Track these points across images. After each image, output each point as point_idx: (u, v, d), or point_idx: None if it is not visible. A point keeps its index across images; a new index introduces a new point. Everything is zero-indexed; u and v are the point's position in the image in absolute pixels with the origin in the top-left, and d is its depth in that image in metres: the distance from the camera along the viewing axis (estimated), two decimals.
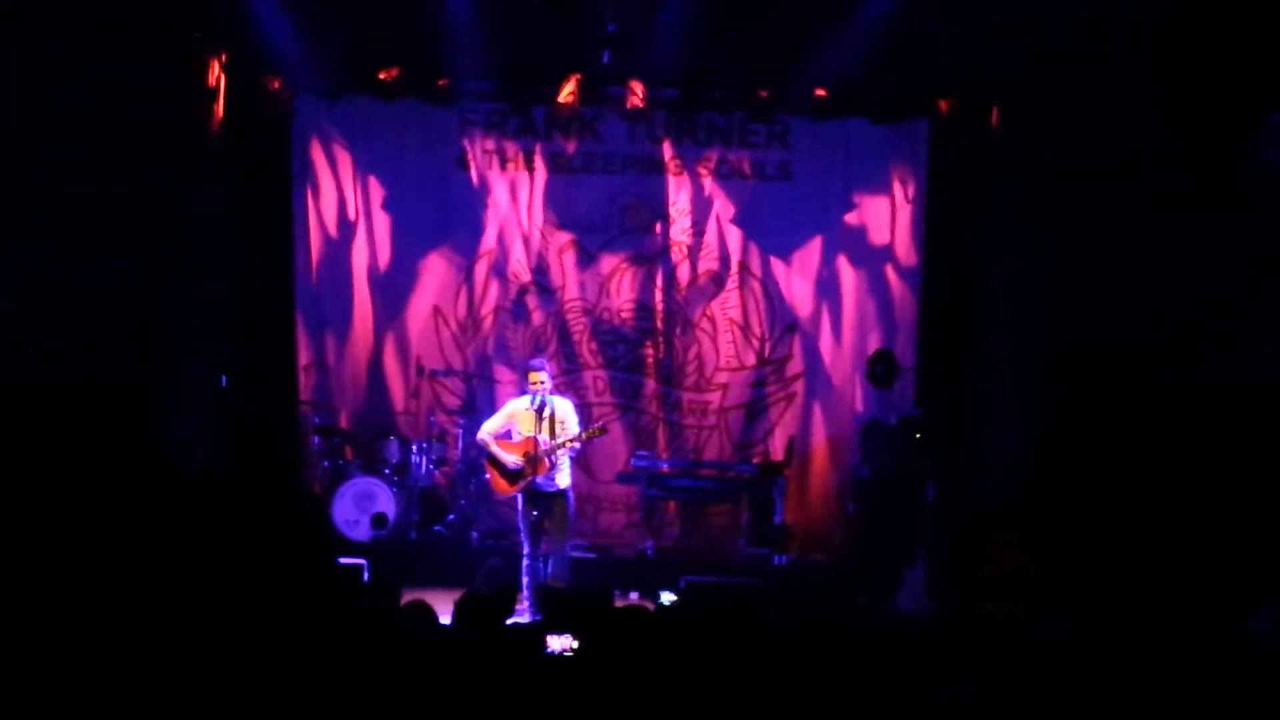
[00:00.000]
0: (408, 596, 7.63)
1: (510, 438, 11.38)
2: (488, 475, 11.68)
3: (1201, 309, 10.27)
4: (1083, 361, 11.31)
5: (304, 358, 14.66)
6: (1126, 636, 7.18)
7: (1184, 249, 10.37)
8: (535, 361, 11.67)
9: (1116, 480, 10.84)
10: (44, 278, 10.51)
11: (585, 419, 12.54)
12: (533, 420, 11.25)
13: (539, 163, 14.78)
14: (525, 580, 11.20)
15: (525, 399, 11.37)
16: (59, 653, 6.05)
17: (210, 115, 13.49)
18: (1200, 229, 10.20)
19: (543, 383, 11.25)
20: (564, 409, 11.40)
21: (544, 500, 11.27)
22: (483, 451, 11.65)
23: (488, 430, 11.48)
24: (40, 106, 10.41)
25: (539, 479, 11.20)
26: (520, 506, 11.38)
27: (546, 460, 11.16)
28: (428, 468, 14.03)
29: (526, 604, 11.00)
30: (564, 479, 11.33)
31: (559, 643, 6.83)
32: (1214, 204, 10.01)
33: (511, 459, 11.26)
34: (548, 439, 11.16)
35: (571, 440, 11.23)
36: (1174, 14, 10.34)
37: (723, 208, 14.82)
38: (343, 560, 10.58)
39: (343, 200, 14.78)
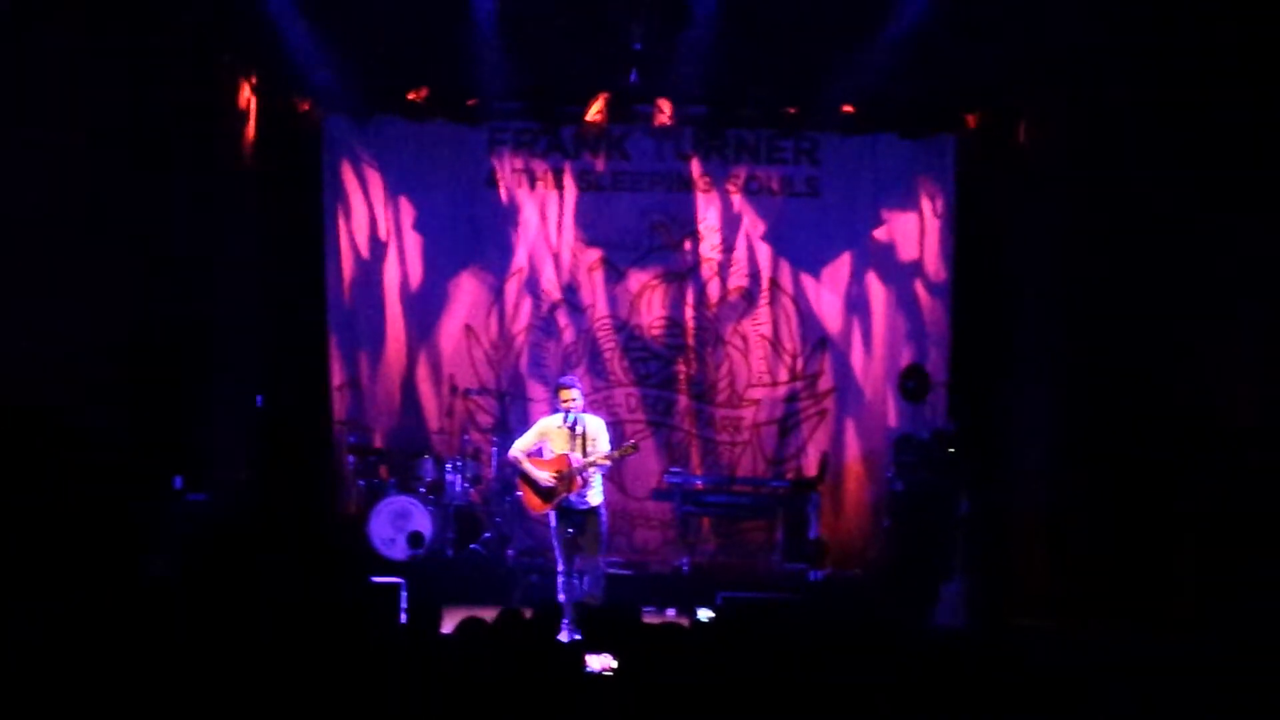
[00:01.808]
0: (446, 614, 7.66)
1: (543, 455, 11.39)
2: (520, 493, 11.71)
3: (1235, 323, 10.24)
4: (1113, 376, 11.30)
5: (338, 378, 14.74)
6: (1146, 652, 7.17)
7: (1217, 260, 10.35)
8: (566, 379, 11.68)
9: (1147, 495, 10.84)
10: (79, 307, 10.53)
11: (617, 436, 12.58)
12: (565, 438, 11.27)
13: (568, 181, 14.85)
14: (562, 598, 11.21)
15: (557, 416, 11.37)
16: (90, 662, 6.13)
17: (241, 137, 13.61)
18: (1235, 239, 10.16)
19: (574, 400, 11.26)
20: (595, 427, 11.41)
21: (577, 517, 11.28)
22: (515, 469, 11.67)
23: (519, 448, 11.49)
24: (70, 132, 10.44)
25: (572, 496, 11.21)
26: (553, 524, 11.38)
27: (579, 478, 11.16)
28: (463, 486, 14.04)
29: (565, 621, 11.01)
30: (596, 496, 11.34)
31: (598, 662, 6.82)
32: (1251, 212, 9.95)
33: (544, 476, 11.27)
34: (580, 456, 11.17)
35: (603, 458, 11.26)
36: (1200, 22, 10.33)
37: (752, 224, 14.84)
38: (380, 579, 10.64)
39: (374, 220, 14.85)
